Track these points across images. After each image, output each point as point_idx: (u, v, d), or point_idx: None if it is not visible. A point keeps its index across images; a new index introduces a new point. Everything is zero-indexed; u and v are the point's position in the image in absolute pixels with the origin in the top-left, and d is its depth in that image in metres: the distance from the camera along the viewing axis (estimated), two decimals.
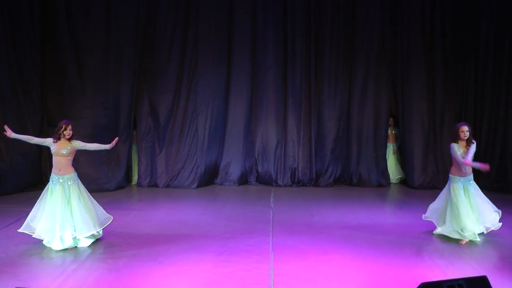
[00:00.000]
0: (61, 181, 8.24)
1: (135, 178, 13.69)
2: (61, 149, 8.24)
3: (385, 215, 10.67)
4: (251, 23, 13.63)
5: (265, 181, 13.79)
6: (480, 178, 13.15)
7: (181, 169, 13.39)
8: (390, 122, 14.13)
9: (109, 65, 12.95)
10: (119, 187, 12.94)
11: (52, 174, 8.34)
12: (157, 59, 13.33)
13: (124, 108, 13.12)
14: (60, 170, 8.26)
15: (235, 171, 13.79)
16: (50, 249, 8.10)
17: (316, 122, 13.75)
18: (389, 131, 14.17)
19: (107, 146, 8.66)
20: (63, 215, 8.11)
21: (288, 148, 13.77)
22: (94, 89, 12.87)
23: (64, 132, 8.24)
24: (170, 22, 13.27)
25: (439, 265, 7.57)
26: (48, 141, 8.37)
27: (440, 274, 7.02)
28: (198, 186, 13.33)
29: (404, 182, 14.06)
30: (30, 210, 8.32)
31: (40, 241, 8.23)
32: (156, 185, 13.38)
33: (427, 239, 8.90)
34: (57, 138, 8.28)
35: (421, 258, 7.87)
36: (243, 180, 13.88)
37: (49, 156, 12.44)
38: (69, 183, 8.27)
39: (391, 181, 14.07)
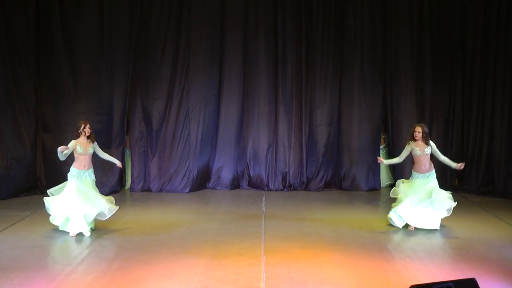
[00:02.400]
0: (86, 174, 9.21)
1: (128, 182, 13.65)
2: (89, 148, 9.29)
3: (375, 218, 10.67)
4: (242, 29, 13.64)
5: (257, 185, 13.78)
6: (467, 182, 13.34)
7: (173, 174, 13.36)
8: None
9: (102, 71, 12.92)
10: (113, 191, 12.84)
11: (76, 169, 9.15)
12: (149, 65, 13.31)
13: (118, 113, 13.10)
14: (84, 166, 9.19)
15: (227, 175, 13.77)
16: (45, 253, 8.07)
17: (307, 127, 13.76)
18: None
19: (118, 162, 9.89)
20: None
21: (279, 153, 13.76)
22: (87, 95, 12.84)
23: (85, 130, 9.20)
24: (162, 28, 13.25)
25: (428, 267, 7.58)
26: (72, 146, 9.14)
27: (430, 277, 7.03)
28: (190, 190, 13.29)
29: (393, 186, 14.04)
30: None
31: (34, 245, 8.25)
32: (149, 190, 13.34)
33: (416, 242, 8.92)
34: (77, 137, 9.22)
35: (411, 260, 7.87)
36: (235, 184, 13.87)
37: (44, 161, 12.57)
38: (93, 175, 9.37)
39: (381, 185, 14.09)
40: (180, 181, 13.34)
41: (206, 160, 13.69)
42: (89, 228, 9.01)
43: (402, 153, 9.78)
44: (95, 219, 9.27)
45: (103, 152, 9.66)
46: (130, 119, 13.41)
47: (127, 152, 13.66)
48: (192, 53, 13.32)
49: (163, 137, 13.34)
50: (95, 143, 9.42)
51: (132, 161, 13.52)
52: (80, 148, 9.12)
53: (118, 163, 9.84)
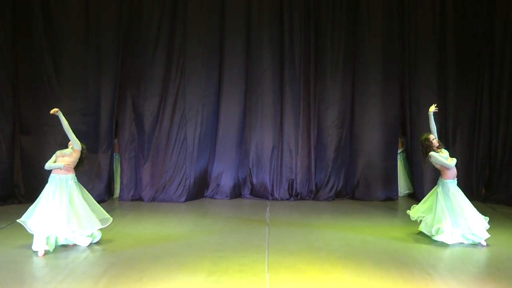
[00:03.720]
0: (62, 179, 9.16)
1: (117, 191, 13.64)
2: (64, 150, 9.36)
3: (392, 231, 10.65)
4: (244, 21, 13.64)
5: (260, 193, 13.77)
6: (496, 191, 13.26)
7: (168, 181, 13.36)
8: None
9: (88, 67, 12.93)
10: (100, 200, 12.70)
11: (51, 175, 9.21)
12: (141, 61, 13.30)
13: (105, 114, 13.10)
14: (61, 170, 9.16)
15: (227, 182, 13.77)
16: (23, 269, 8.07)
17: (316, 129, 13.74)
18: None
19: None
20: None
21: (285, 158, 13.75)
22: (71, 94, 12.84)
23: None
24: (155, 21, 13.25)
25: (451, 286, 7.55)
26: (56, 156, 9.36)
27: None
28: (187, 200, 13.30)
29: (412, 195, 14.03)
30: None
31: (10, 261, 8.26)
32: (140, 199, 13.34)
33: (438, 258, 8.89)
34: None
35: (432, 279, 7.84)
36: (236, 192, 13.86)
37: (22, 166, 12.54)
38: (70, 182, 9.21)
39: (398, 195, 14.05)
40: (175, 189, 13.34)
41: (204, 166, 13.69)
42: (47, 248, 8.81)
43: (445, 160, 9.72)
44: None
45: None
46: (120, 120, 13.42)
47: (116, 157, 13.67)
48: (188, 48, 13.33)
49: (156, 141, 13.34)
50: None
51: (121, 167, 13.51)
52: (59, 151, 9.33)
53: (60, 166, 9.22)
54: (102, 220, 9.40)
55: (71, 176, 9.18)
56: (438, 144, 9.78)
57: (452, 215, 9.52)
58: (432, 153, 9.64)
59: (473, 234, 9.46)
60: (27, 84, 12.86)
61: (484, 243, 9.43)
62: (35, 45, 12.72)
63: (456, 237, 9.52)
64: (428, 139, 9.77)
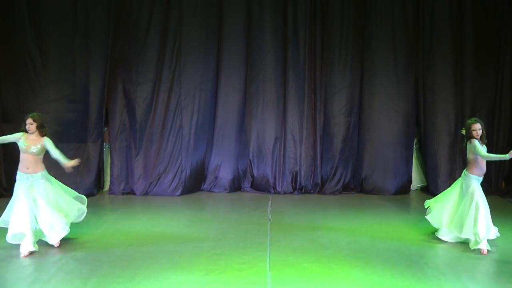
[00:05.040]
0: (31, 179, 8.75)
1: (107, 184, 13.65)
2: (31, 147, 8.72)
3: (403, 227, 10.65)
4: (245, 0, 13.59)
5: (261, 187, 13.79)
6: None
7: (162, 173, 13.37)
8: None
9: (76, 51, 12.90)
10: (89, 194, 12.72)
11: (19, 172, 8.80)
12: (133, 44, 13.26)
13: (94, 101, 13.09)
14: (28, 168, 8.75)
15: (226, 175, 13.78)
16: (4, 269, 8.07)
17: (322, 117, 13.73)
18: None
19: (66, 162, 8.92)
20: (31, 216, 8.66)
21: (288, 148, 13.75)
22: (58, 79, 12.81)
23: (26, 127, 8.74)
24: (148, 0, 13.21)
25: (468, 287, 7.56)
26: (15, 137, 8.80)
27: None
28: (182, 193, 13.33)
29: (426, 189, 14.03)
30: None
31: None
32: (132, 192, 13.36)
33: (454, 256, 8.88)
34: (25, 132, 8.80)
35: (446, 279, 7.84)
36: (236, 185, 13.88)
37: (5, 157, 12.51)
38: (41, 181, 8.82)
39: (411, 188, 14.04)
40: (170, 182, 13.36)
41: (201, 157, 13.69)
42: (33, 249, 8.65)
43: (484, 151, 9.22)
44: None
45: (55, 149, 8.81)
46: (110, 107, 13.41)
47: (106, 147, 13.66)
48: (184, 29, 13.29)
49: (150, 130, 13.33)
50: (47, 139, 8.82)
51: (111, 158, 13.50)
52: (22, 143, 8.74)
53: (66, 165, 8.89)
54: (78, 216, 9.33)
55: (41, 174, 8.85)
56: (480, 136, 9.26)
57: (459, 212, 9.32)
58: (475, 141, 9.17)
59: (476, 240, 9.31)
60: (9, 68, 12.80)
61: (485, 252, 9.02)
62: (17, 26, 12.65)
63: (452, 236, 9.48)
64: (470, 127, 9.25)
